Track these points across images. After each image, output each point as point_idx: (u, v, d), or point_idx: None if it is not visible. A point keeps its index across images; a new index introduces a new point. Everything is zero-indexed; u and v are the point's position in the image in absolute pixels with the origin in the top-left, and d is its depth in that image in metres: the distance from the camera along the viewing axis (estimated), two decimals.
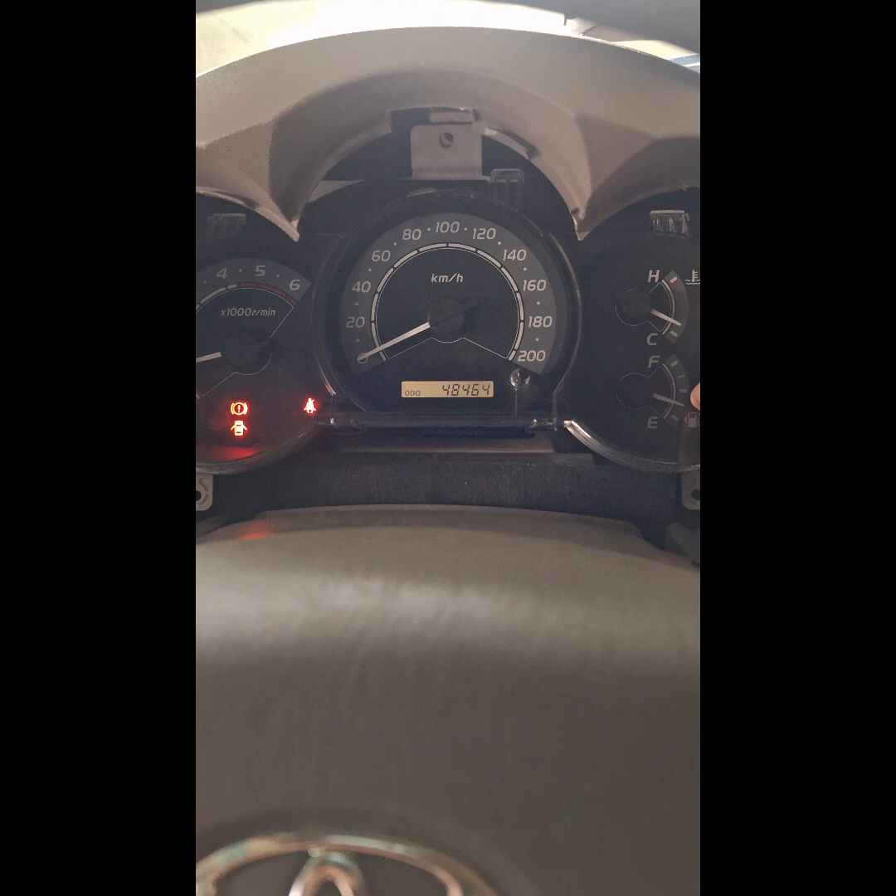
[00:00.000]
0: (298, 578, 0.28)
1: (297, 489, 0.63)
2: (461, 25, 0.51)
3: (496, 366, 0.64)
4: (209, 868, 0.25)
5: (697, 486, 0.62)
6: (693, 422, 0.62)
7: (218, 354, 0.63)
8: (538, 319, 0.63)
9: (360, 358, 0.65)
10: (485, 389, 0.64)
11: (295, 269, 0.64)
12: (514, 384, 0.62)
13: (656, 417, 0.62)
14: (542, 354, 0.64)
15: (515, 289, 0.63)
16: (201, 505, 0.63)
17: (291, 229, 0.56)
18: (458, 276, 0.64)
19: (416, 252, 0.64)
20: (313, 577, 0.28)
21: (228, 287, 0.64)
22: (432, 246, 0.64)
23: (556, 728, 0.24)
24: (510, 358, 0.64)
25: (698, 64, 0.56)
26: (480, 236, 0.64)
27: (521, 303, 0.63)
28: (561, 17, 0.55)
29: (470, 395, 0.64)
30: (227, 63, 0.52)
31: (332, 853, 0.25)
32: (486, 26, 0.51)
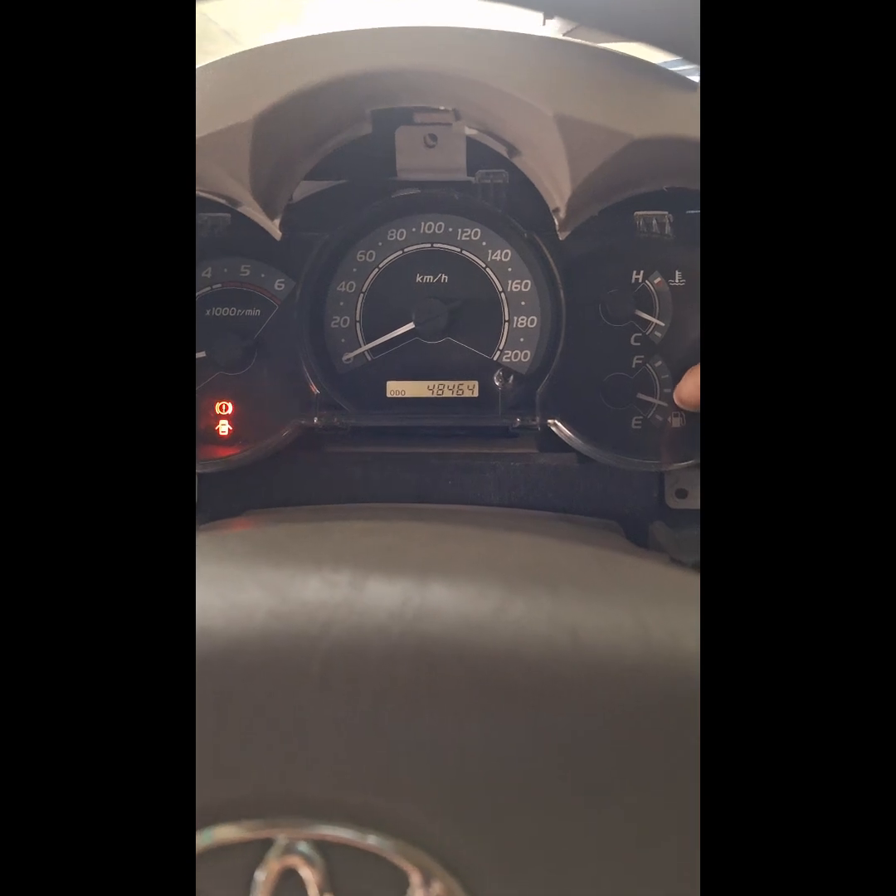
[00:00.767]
0: (266, 571, 0.28)
1: (280, 488, 0.63)
2: (442, 25, 0.51)
3: (481, 365, 0.64)
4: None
5: (681, 485, 0.62)
6: (677, 421, 0.62)
7: (203, 354, 0.63)
8: (522, 319, 0.64)
9: (344, 358, 0.65)
10: (469, 389, 0.64)
11: (280, 268, 0.64)
12: (497, 384, 0.62)
13: (640, 417, 0.62)
14: (526, 354, 0.64)
15: (500, 289, 0.64)
16: None
17: (273, 228, 0.56)
18: (443, 276, 0.64)
19: (400, 252, 0.64)
20: (282, 570, 0.28)
21: (213, 286, 0.64)
22: (417, 246, 0.64)
23: (519, 718, 0.24)
24: (495, 358, 0.64)
25: (680, 67, 0.56)
26: (465, 237, 0.64)
27: (505, 303, 0.64)
28: (540, 18, 0.55)
29: (455, 395, 0.64)
30: (207, 62, 0.53)
31: (296, 842, 0.25)
32: (466, 27, 0.51)
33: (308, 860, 0.24)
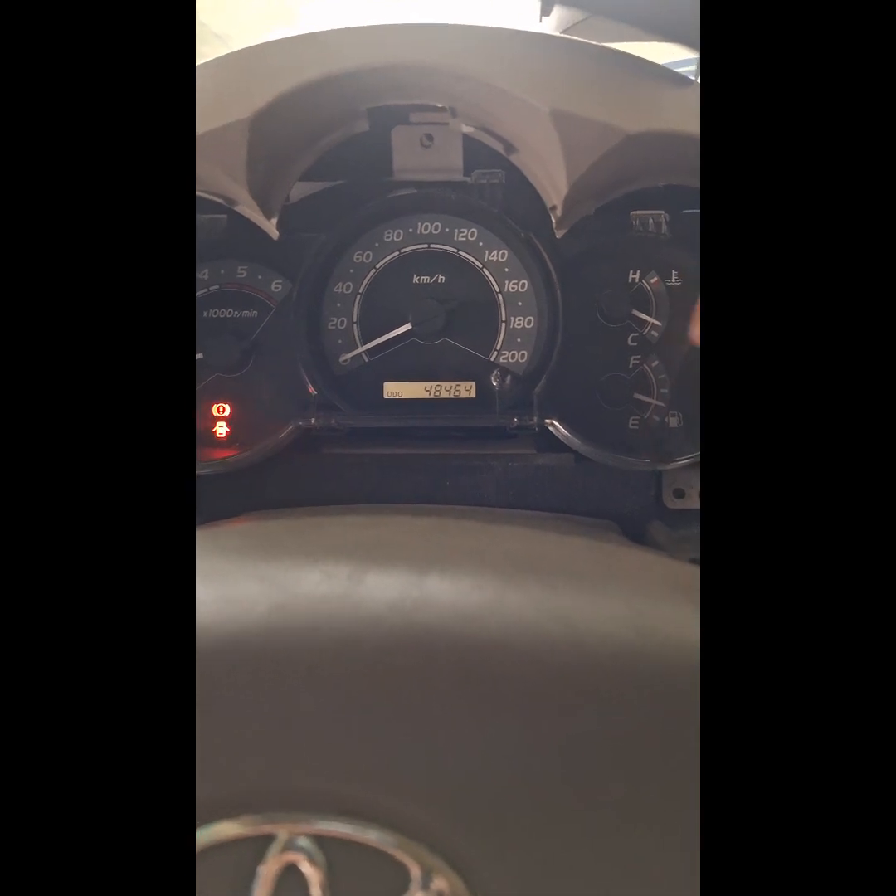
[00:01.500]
0: (264, 565, 0.28)
1: (278, 490, 0.63)
2: (438, 23, 0.51)
3: (478, 366, 0.64)
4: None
5: (679, 484, 0.62)
6: (674, 421, 0.62)
7: (200, 355, 0.63)
8: (520, 320, 0.63)
9: (341, 359, 0.64)
10: (467, 390, 0.63)
11: (276, 270, 0.64)
12: (495, 384, 0.62)
13: (637, 417, 0.62)
14: (523, 355, 0.64)
15: (497, 289, 0.63)
16: None
17: (271, 228, 0.56)
18: (440, 276, 0.64)
19: (397, 253, 0.64)
20: (279, 564, 0.28)
21: (210, 288, 0.64)
22: (414, 247, 0.64)
23: (513, 708, 0.24)
24: (492, 358, 0.64)
25: (675, 64, 0.56)
26: (462, 237, 0.64)
27: (502, 303, 0.63)
28: (536, 15, 0.55)
29: (452, 396, 0.63)
30: (202, 61, 0.52)
31: (297, 837, 0.24)
32: (462, 23, 0.51)
33: (309, 856, 0.24)
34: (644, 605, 0.26)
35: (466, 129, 0.56)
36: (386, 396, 0.64)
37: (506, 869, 0.24)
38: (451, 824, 0.24)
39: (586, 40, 0.52)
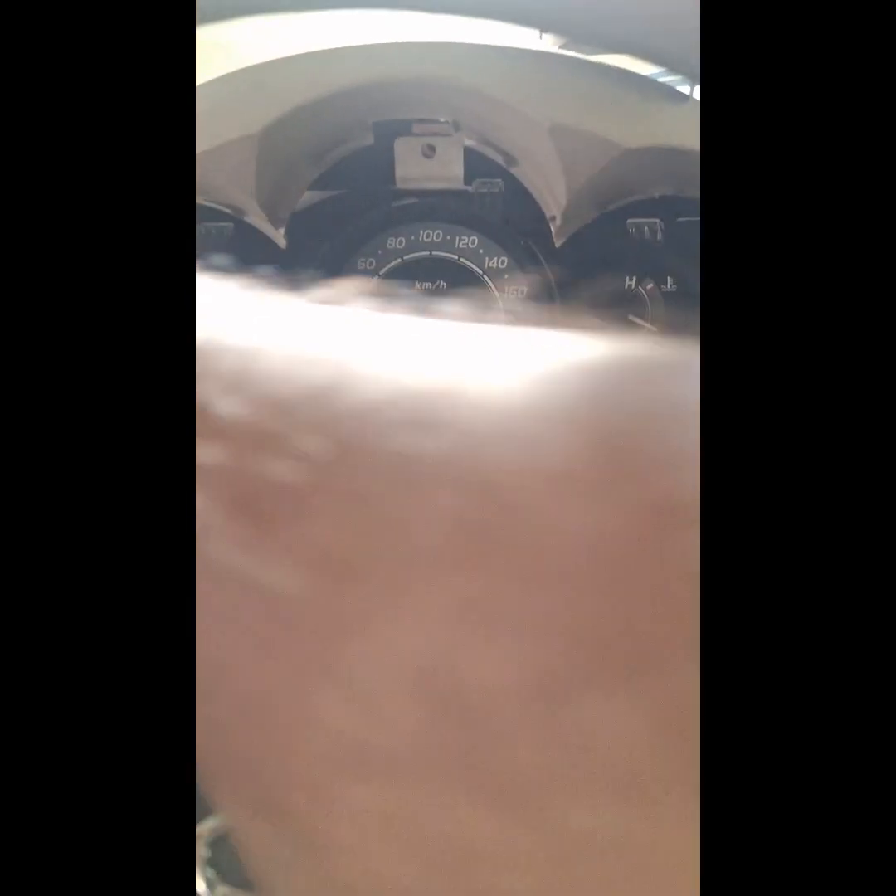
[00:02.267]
0: None
1: None
2: (441, 40, 0.53)
3: None
4: (201, 831, 0.25)
5: None
6: None
7: None
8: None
9: None
10: None
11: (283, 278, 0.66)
12: None
13: None
14: None
15: (497, 295, 0.65)
16: None
17: (279, 237, 0.58)
18: (442, 283, 0.66)
19: (400, 260, 0.66)
20: None
21: None
22: (416, 254, 0.66)
23: None
24: None
25: (669, 79, 0.58)
26: (463, 244, 0.65)
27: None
28: (536, 32, 0.57)
29: None
30: (214, 76, 0.54)
31: None
32: (465, 41, 0.53)
33: None
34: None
35: (468, 141, 0.58)
36: None
37: None
38: None
39: (584, 56, 0.54)
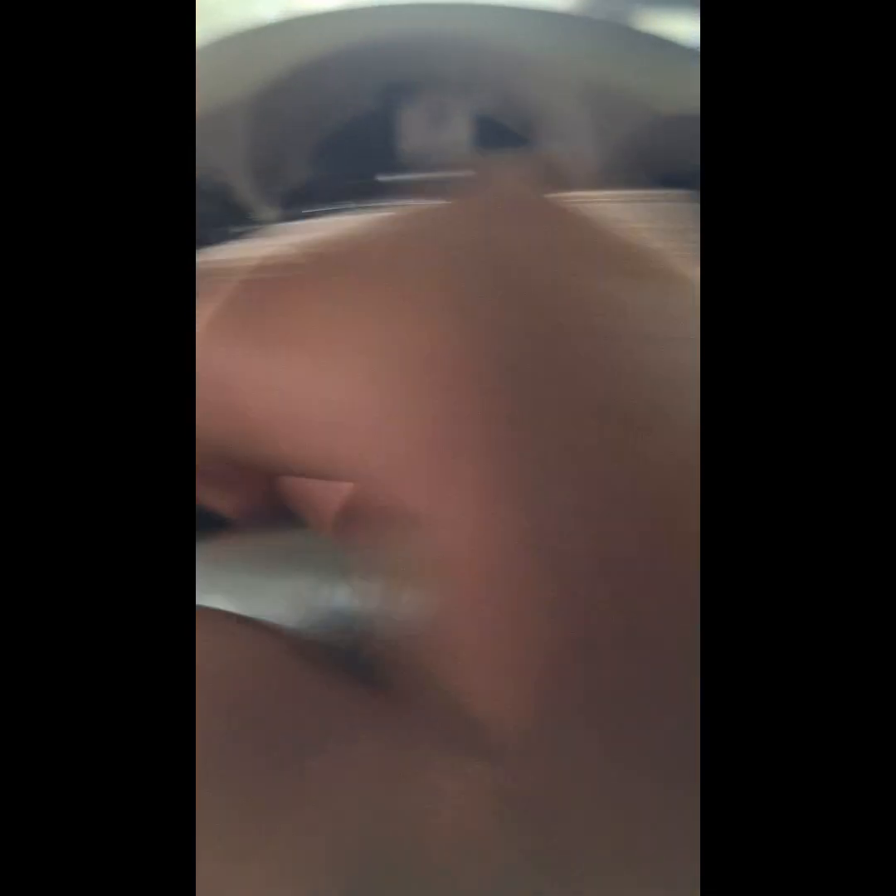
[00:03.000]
0: (289, 581, 0.25)
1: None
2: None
3: None
4: None
5: None
6: None
7: None
8: None
9: None
10: None
11: None
12: None
13: None
14: None
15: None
16: None
17: (271, 215, 0.53)
18: None
19: None
20: (305, 579, 0.25)
21: None
22: None
23: None
24: None
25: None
26: None
27: None
28: None
29: None
30: (200, 40, 0.50)
31: None
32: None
33: None
34: None
35: (483, 108, 0.54)
36: None
37: None
38: None
39: (612, 19, 0.50)
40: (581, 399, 0.20)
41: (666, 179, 0.55)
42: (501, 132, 0.55)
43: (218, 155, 0.48)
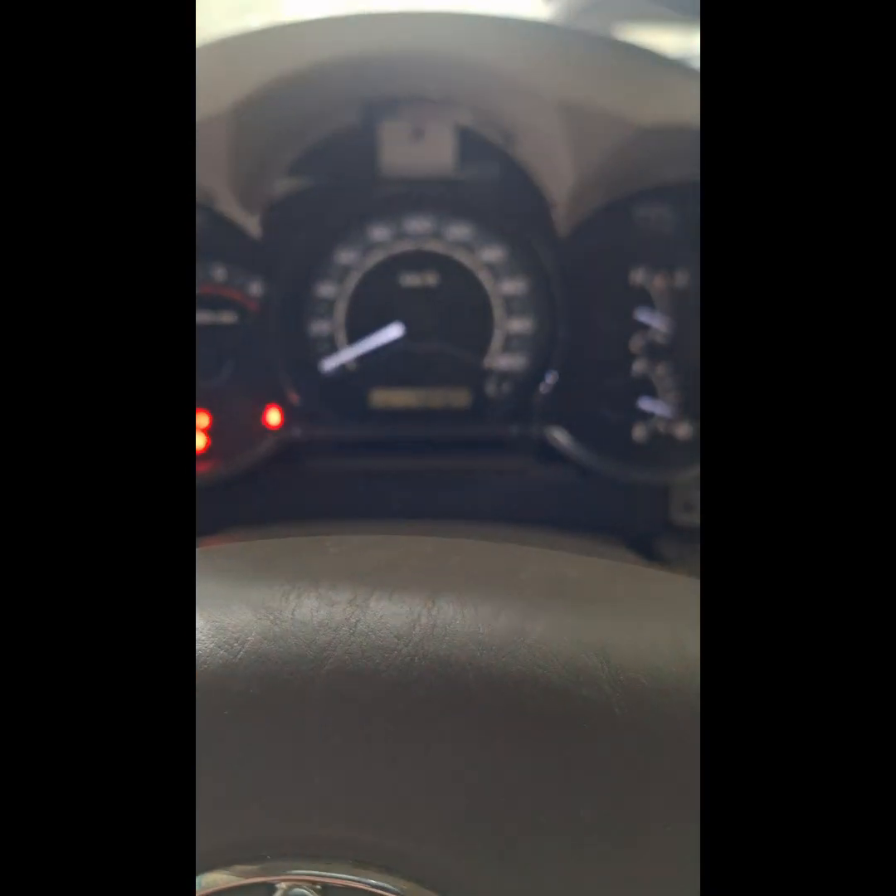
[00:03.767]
0: (257, 590, 0.25)
1: (258, 506, 0.60)
2: (433, 9, 0.48)
3: (472, 372, 0.60)
4: None
5: (688, 498, 0.59)
6: (682, 430, 0.59)
7: None
8: (516, 323, 0.60)
9: (326, 365, 0.61)
10: (460, 398, 0.60)
11: (256, 271, 0.60)
12: (490, 391, 0.59)
13: (643, 426, 0.59)
14: (521, 360, 0.60)
15: (492, 291, 0.60)
16: None
17: (253, 225, 0.52)
18: (431, 277, 0.60)
19: (385, 253, 0.60)
20: (273, 588, 0.25)
21: None
22: (403, 246, 0.60)
23: (547, 747, 0.22)
24: (486, 364, 0.60)
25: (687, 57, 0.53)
26: (454, 236, 0.60)
27: (497, 305, 0.60)
28: (539, 6, 0.53)
29: (444, 404, 0.60)
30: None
31: (297, 886, 0.23)
32: (461, 11, 0.48)
33: None
34: (688, 635, 0.24)
35: (463, 121, 0.53)
36: (373, 405, 0.61)
37: None
38: (472, 872, 0.22)
39: (594, 31, 0.49)
40: None
41: (645, 192, 0.55)
42: (482, 145, 0.55)
43: (201, 164, 0.47)
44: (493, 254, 0.60)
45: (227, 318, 0.60)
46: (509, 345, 0.60)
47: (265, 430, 0.59)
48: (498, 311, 0.60)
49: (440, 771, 0.22)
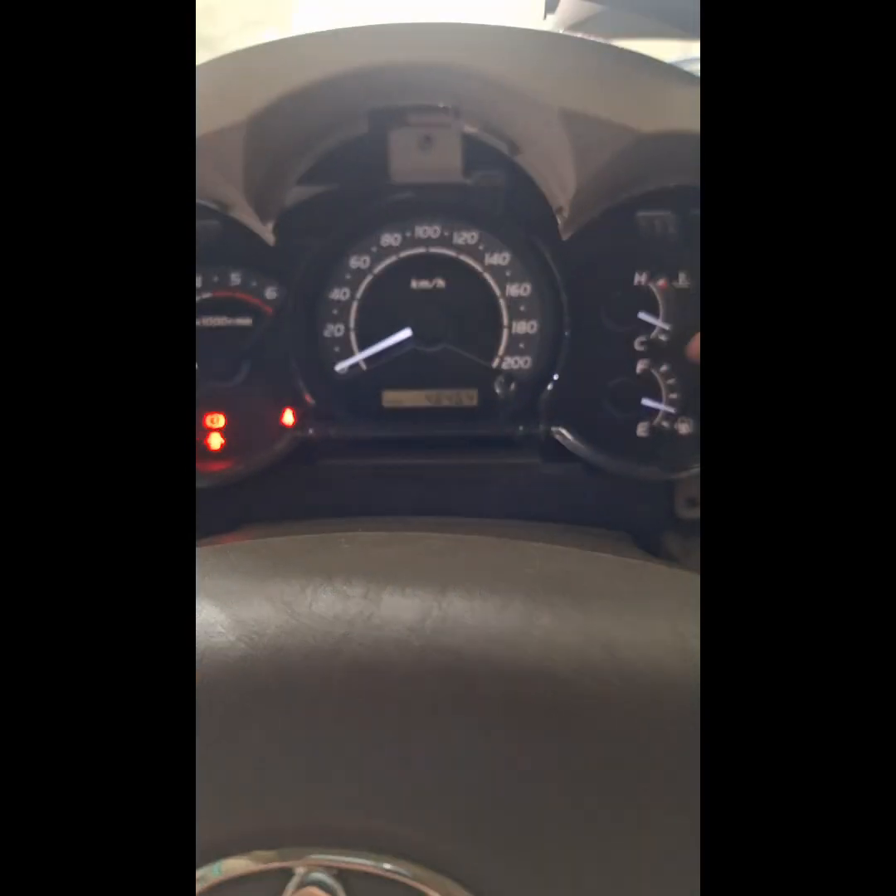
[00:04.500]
0: (274, 585, 0.26)
1: (274, 504, 0.61)
2: (440, 21, 0.50)
3: (480, 373, 0.62)
4: None
5: (692, 493, 0.60)
6: (685, 427, 0.60)
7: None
8: (523, 325, 0.62)
9: (339, 367, 0.63)
10: (469, 398, 0.62)
11: (271, 276, 0.62)
12: (498, 391, 0.61)
13: (646, 424, 0.61)
14: (527, 360, 0.62)
15: (499, 294, 0.62)
16: None
17: (267, 232, 0.54)
18: (440, 281, 0.62)
19: (395, 258, 0.62)
20: (290, 583, 0.26)
21: (203, 295, 0.62)
22: (412, 251, 0.62)
23: (553, 737, 0.23)
24: (495, 365, 0.62)
25: (688, 65, 0.55)
26: (462, 240, 0.62)
27: (504, 308, 0.62)
28: (540, 13, 0.54)
29: (454, 404, 0.62)
30: (198, 62, 0.51)
31: (315, 871, 0.23)
32: (466, 22, 0.50)
33: (329, 891, 0.23)
34: (690, 630, 0.25)
35: (469, 129, 0.55)
36: (385, 405, 0.62)
37: None
38: (484, 858, 0.23)
39: (593, 39, 0.51)
40: None
41: (642, 197, 0.56)
42: (488, 152, 0.56)
43: (217, 173, 0.49)
44: (499, 258, 0.62)
45: (244, 321, 0.62)
46: (516, 346, 0.62)
47: (280, 430, 0.61)
48: (505, 314, 0.62)
49: (451, 759, 0.23)
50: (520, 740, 0.23)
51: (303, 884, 0.23)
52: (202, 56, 0.52)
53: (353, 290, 0.62)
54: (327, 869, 0.23)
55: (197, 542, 0.53)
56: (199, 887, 0.24)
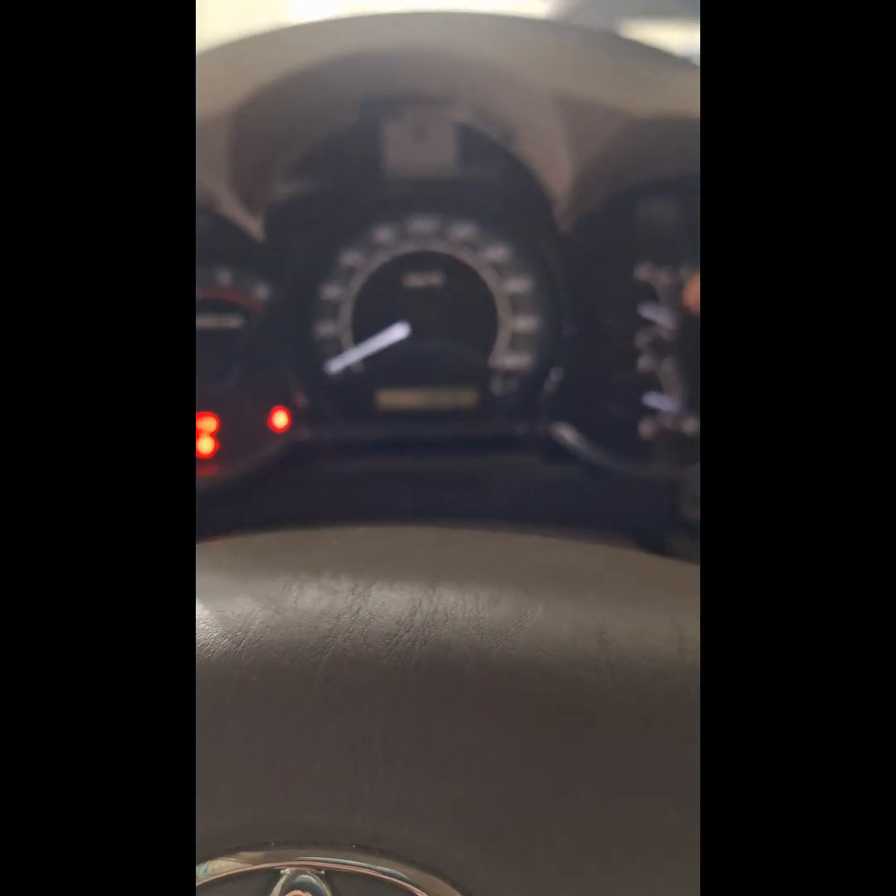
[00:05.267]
0: (259, 581, 0.26)
1: (266, 508, 0.60)
2: (432, 8, 0.49)
3: (478, 371, 0.60)
4: None
5: (695, 493, 0.58)
6: (689, 425, 0.59)
7: None
8: (521, 321, 0.60)
9: (332, 367, 0.61)
10: (467, 397, 0.60)
11: (261, 274, 0.60)
12: (497, 390, 0.59)
13: (649, 421, 0.59)
14: (526, 358, 0.60)
15: (496, 290, 0.60)
16: None
17: (256, 229, 0.53)
18: (435, 278, 0.60)
19: (389, 254, 0.60)
20: (275, 579, 0.26)
21: None
22: (407, 247, 0.60)
23: (545, 730, 0.22)
24: (492, 363, 0.60)
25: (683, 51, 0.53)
26: (458, 236, 0.60)
27: (502, 304, 0.60)
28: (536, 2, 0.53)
29: (451, 403, 0.60)
30: None
31: (301, 872, 0.23)
32: (460, 8, 0.48)
33: (316, 893, 0.23)
34: (686, 619, 0.24)
35: (463, 118, 0.53)
36: (380, 406, 0.61)
37: None
38: (473, 857, 0.22)
39: (588, 26, 0.49)
40: None
41: (643, 187, 0.55)
42: (482, 142, 0.55)
43: (202, 166, 0.48)
44: (496, 252, 0.60)
45: (233, 321, 0.60)
46: (515, 343, 0.60)
47: (273, 433, 0.59)
48: (503, 310, 0.60)
49: (440, 755, 0.22)
50: (510, 734, 0.22)
51: (289, 886, 0.23)
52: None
53: (346, 287, 0.61)
54: (314, 870, 0.23)
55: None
56: None
